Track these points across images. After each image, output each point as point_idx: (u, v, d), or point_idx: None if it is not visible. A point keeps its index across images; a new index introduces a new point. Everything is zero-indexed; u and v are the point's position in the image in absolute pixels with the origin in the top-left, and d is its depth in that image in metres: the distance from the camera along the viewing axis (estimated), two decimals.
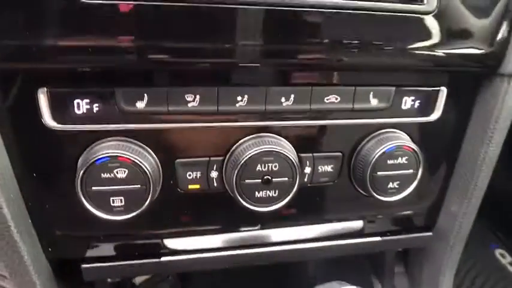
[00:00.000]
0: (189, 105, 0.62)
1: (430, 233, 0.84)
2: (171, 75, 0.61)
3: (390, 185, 0.72)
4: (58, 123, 0.60)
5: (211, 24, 0.55)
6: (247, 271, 0.77)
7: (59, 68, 0.56)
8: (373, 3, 0.59)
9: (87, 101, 0.59)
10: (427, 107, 0.73)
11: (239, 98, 0.63)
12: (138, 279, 1.02)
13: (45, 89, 0.58)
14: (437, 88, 0.72)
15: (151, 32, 0.54)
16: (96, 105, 0.60)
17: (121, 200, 0.61)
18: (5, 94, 0.58)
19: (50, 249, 0.69)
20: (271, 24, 0.56)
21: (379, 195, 0.72)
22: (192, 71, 0.61)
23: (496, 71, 0.70)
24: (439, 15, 0.62)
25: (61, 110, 0.59)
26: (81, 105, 0.60)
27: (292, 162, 0.65)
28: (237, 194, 0.65)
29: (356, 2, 0.58)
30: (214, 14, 0.54)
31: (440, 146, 0.78)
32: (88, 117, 0.60)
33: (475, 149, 0.77)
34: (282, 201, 0.67)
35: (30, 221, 0.65)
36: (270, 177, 0.65)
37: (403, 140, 0.71)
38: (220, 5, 0.54)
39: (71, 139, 0.61)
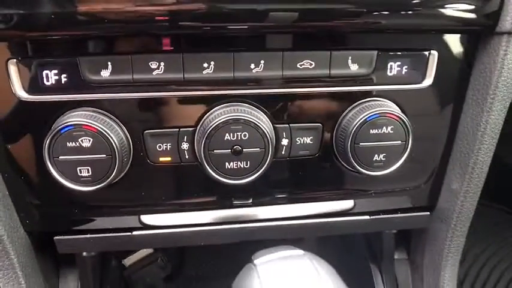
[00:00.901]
0: (154, 73, 0.61)
1: (428, 213, 0.77)
2: (134, 42, 0.60)
3: (376, 157, 0.66)
4: (28, 93, 0.60)
5: None
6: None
7: (28, 37, 0.58)
8: None
9: (55, 71, 0.60)
10: (416, 73, 0.67)
11: (205, 65, 0.61)
12: (128, 261, 1.03)
13: (15, 60, 0.59)
14: (428, 51, 0.66)
15: None
16: (64, 75, 0.60)
17: (88, 169, 0.61)
18: None
19: (27, 221, 0.70)
20: None
21: (364, 169, 0.67)
22: (154, 37, 0.60)
23: (493, 30, 0.64)
24: None
25: (30, 80, 0.60)
26: (49, 76, 0.60)
27: (263, 131, 0.62)
28: (205, 164, 0.63)
29: None
30: None
31: (434, 117, 0.71)
32: (56, 88, 0.61)
33: (475, 119, 0.69)
34: (254, 173, 0.64)
35: (7, 192, 0.67)
36: (240, 147, 0.62)
37: (389, 107, 0.66)
38: None
39: (40, 109, 0.61)
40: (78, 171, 0.61)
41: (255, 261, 0.72)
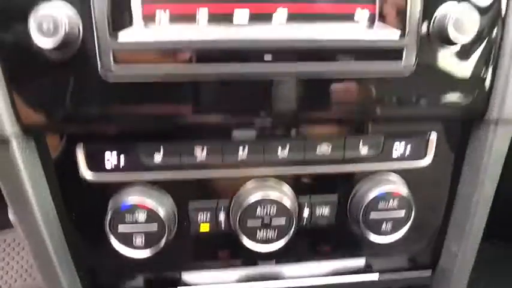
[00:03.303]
0: (198, 158, 0.73)
1: (429, 270, 0.88)
2: (182, 133, 0.72)
3: (383, 227, 0.78)
4: (92, 173, 0.73)
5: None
6: None
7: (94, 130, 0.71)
8: (360, 65, 0.67)
9: (116, 155, 0.72)
10: (418, 152, 0.79)
11: (240, 151, 0.73)
12: None
13: (82, 144, 0.71)
14: (428, 133, 0.78)
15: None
16: (123, 158, 0.73)
17: (141, 239, 0.73)
18: (52, 149, 0.72)
19: (85, 281, 0.81)
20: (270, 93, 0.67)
21: (373, 236, 0.78)
22: (201, 130, 0.72)
23: (482, 117, 0.75)
24: (418, 71, 0.68)
25: (94, 162, 0.72)
26: (111, 159, 0.73)
27: (288, 206, 0.73)
28: (240, 234, 0.75)
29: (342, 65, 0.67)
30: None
31: (435, 189, 0.83)
32: (116, 169, 0.73)
33: (469, 191, 0.81)
34: (280, 241, 0.75)
35: (70, 256, 0.78)
36: (269, 220, 0.74)
37: (395, 183, 0.77)
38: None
39: (102, 187, 0.74)
40: (134, 240, 0.73)
41: None
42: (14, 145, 0.68)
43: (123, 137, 0.71)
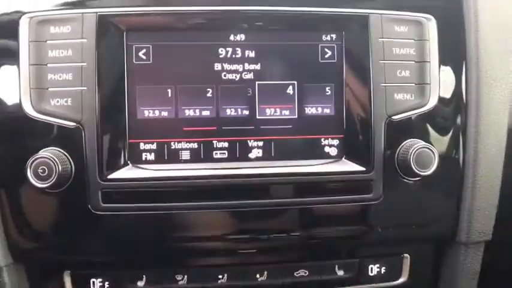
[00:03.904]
0: (179, 283, 0.76)
1: None
2: (164, 262, 0.76)
3: None
4: None
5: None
6: None
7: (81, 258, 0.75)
8: (328, 197, 0.73)
9: (101, 281, 0.75)
10: (393, 273, 0.81)
11: (220, 276, 0.76)
12: None
13: (69, 271, 0.74)
14: (401, 255, 0.81)
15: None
16: (108, 284, 0.75)
17: None
18: (40, 276, 0.76)
19: None
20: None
21: None
22: (181, 257, 0.76)
23: (453, 239, 0.79)
24: (386, 201, 0.74)
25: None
26: (96, 285, 0.75)
27: None
28: None
29: (312, 199, 0.73)
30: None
31: None
32: None
33: None
34: None
35: None
36: None
37: None
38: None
39: None
40: None
41: None
42: (5, 273, 0.72)
43: (108, 264, 0.75)
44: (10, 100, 0.69)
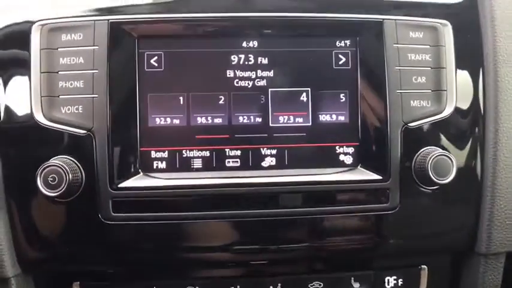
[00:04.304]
0: None
1: None
2: (173, 272, 0.74)
3: None
4: None
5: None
6: None
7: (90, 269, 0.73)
8: (343, 207, 0.71)
9: None
10: (410, 285, 0.79)
11: None
12: None
13: (78, 283, 0.73)
14: (418, 267, 0.79)
15: None
16: None
17: None
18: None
19: None
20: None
21: None
22: (193, 268, 0.75)
23: (472, 250, 0.77)
24: (403, 210, 0.71)
25: None
26: None
27: None
28: None
29: (326, 208, 0.71)
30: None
31: None
32: None
33: None
34: None
35: None
36: None
37: None
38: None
39: None
40: None
41: None
42: (13, 284, 0.70)
43: (118, 276, 0.73)
44: (21, 108, 0.68)
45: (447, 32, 0.74)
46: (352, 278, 0.76)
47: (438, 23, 0.74)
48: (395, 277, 0.78)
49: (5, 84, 0.69)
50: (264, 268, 0.76)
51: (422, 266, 0.79)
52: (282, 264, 0.76)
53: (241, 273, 0.75)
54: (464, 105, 0.74)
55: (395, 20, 0.72)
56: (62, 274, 0.73)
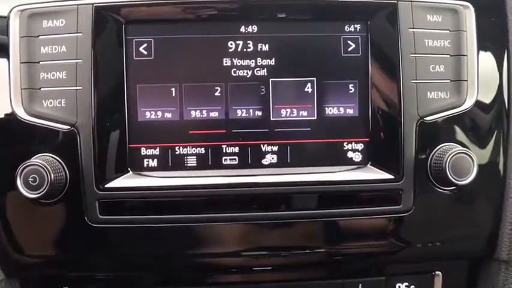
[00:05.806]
0: None
1: None
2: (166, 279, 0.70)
3: None
4: None
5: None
6: None
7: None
8: (351, 209, 0.65)
9: None
10: None
11: None
12: None
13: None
14: (432, 273, 0.73)
15: None
16: None
17: None
18: None
19: None
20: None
21: None
22: (188, 275, 0.70)
23: (491, 256, 0.71)
24: (417, 213, 0.65)
25: None
26: None
27: None
28: None
29: (332, 211, 0.65)
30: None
31: None
32: None
33: None
34: None
35: None
36: None
37: None
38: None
39: None
40: None
41: None
42: None
43: (107, 281, 0.69)
44: None
45: (469, 15, 0.66)
46: (360, 285, 0.71)
47: (459, 5, 0.66)
48: (406, 284, 0.72)
49: None
50: (267, 275, 0.70)
51: (437, 272, 0.73)
52: (285, 270, 0.70)
53: (240, 280, 0.70)
54: (487, 98, 0.67)
55: (411, 1, 0.65)
56: (50, 279, 0.69)
